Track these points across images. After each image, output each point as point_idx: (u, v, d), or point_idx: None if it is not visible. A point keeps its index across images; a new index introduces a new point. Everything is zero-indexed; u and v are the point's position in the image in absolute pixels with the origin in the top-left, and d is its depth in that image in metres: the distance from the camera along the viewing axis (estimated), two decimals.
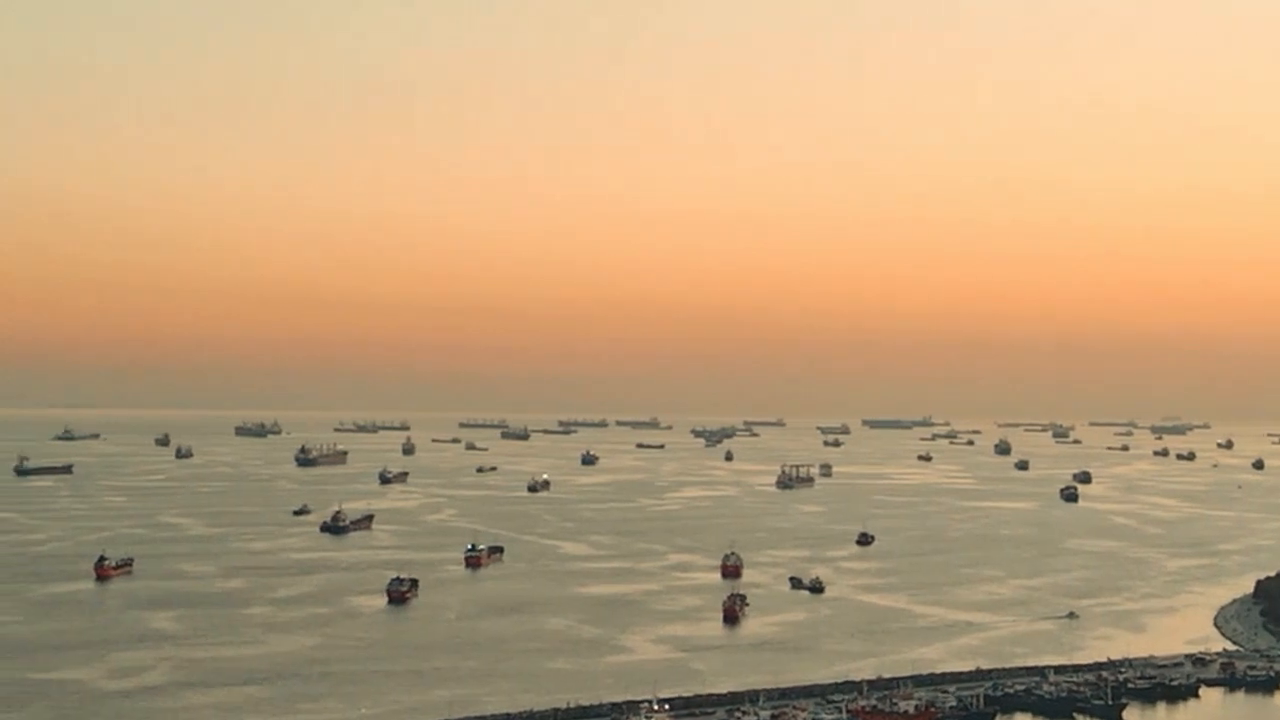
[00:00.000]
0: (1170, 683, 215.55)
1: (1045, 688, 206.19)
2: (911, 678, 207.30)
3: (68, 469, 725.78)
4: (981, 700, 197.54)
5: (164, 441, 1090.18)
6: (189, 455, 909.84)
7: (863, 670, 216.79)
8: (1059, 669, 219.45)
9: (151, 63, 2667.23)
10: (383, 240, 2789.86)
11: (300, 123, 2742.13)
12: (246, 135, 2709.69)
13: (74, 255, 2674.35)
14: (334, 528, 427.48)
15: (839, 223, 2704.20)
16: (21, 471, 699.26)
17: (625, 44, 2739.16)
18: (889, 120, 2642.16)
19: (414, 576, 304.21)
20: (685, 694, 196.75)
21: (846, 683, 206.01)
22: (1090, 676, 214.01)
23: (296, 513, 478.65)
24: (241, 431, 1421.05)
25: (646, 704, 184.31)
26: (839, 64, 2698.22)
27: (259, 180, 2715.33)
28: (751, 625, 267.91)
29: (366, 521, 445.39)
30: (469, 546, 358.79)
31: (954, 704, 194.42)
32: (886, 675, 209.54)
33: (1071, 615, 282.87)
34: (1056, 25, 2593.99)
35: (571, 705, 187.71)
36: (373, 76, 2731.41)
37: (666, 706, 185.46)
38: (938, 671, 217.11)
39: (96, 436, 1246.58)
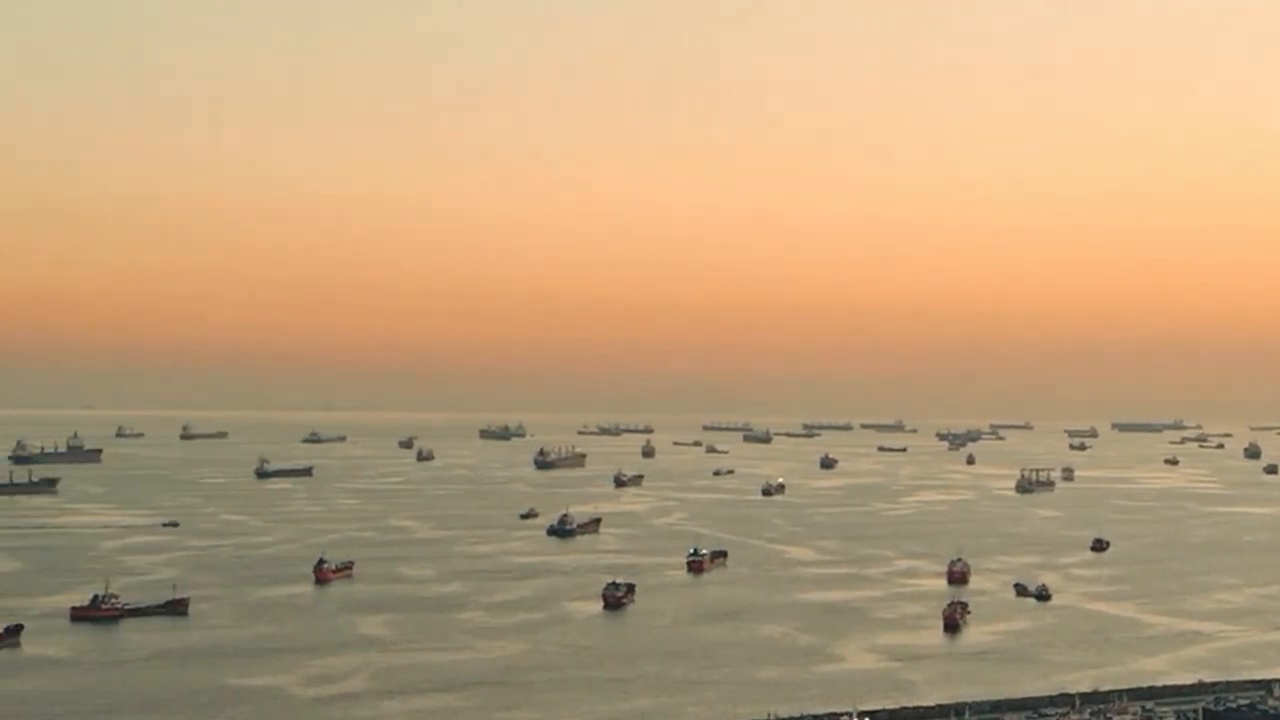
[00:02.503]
0: None
1: (1270, 702, 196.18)
2: (1129, 691, 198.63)
3: (307, 471, 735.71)
4: (1201, 715, 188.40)
5: (407, 444, 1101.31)
6: (429, 458, 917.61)
7: (1080, 682, 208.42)
8: None
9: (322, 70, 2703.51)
10: (625, 241, 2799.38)
11: (535, 126, 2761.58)
12: (476, 136, 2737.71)
13: (333, 259, 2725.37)
14: (560, 531, 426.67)
15: (1098, 232, 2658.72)
16: (262, 474, 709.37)
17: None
18: (1144, 124, 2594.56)
19: (631, 581, 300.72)
20: (890, 706, 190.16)
21: (1061, 695, 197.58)
22: None
23: (524, 516, 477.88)
24: (486, 434, 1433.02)
25: (847, 716, 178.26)
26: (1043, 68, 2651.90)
27: (502, 184, 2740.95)
28: (972, 634, 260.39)
29: (594, 525, 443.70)
30: (691, 550, 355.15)
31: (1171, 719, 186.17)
32: (1103, 688, 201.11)
33: None
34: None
35: (771, 717, 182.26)
36: (601, 76, 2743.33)
37: (868, 719, 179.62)
38: (1158, 685, 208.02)
39: (342, 439, 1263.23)
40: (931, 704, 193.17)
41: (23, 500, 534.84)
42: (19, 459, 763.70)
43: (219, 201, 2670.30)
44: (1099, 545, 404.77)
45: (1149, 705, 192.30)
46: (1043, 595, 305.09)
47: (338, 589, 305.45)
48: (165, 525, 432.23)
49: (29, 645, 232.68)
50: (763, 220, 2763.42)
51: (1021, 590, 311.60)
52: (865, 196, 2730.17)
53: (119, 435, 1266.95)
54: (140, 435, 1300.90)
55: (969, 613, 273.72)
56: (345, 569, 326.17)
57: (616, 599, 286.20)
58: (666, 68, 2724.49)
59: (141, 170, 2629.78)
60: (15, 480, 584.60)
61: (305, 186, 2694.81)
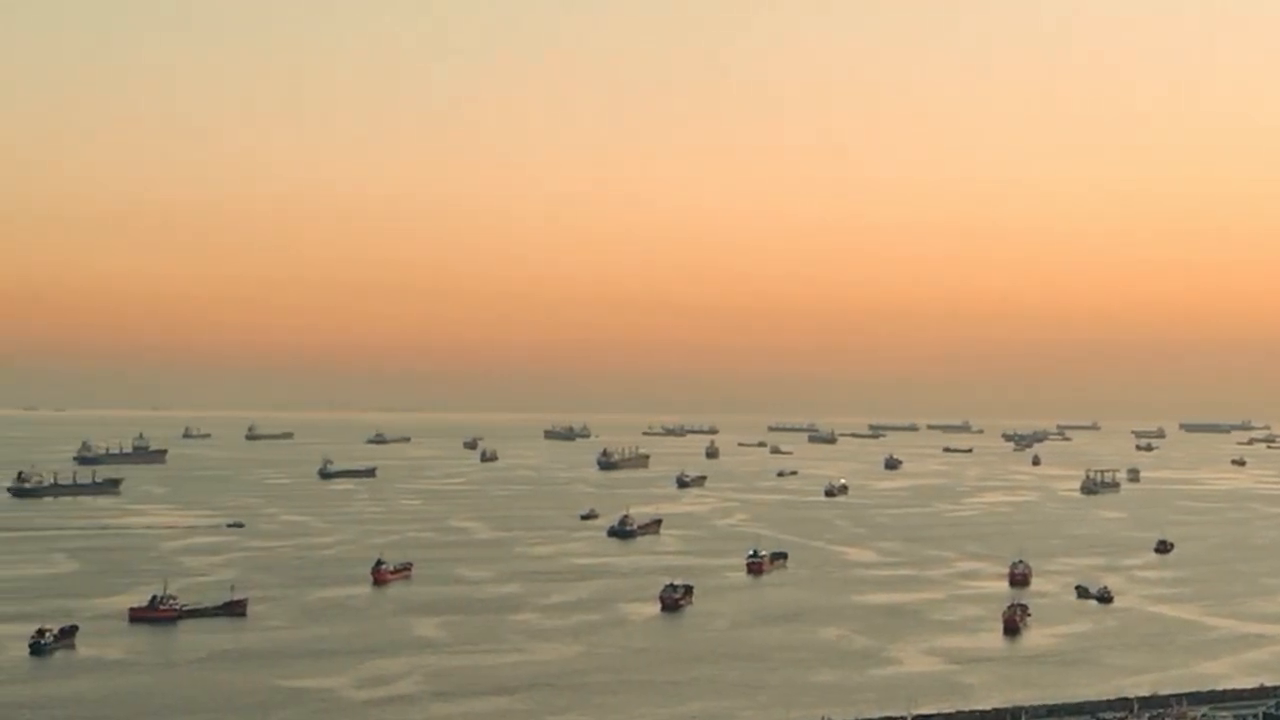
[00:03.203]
0: None
1: None
2: (1188, 695, 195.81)
3: (370, 472, 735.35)
4: None
5: (471, 445, 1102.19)
6: (493, 458, 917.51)
7: (1139, 686, 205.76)
8: None
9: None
10: (693, 241, 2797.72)
11: (611, 124, 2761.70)
12: (542, 137, 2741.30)
13: (397, 259, 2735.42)
14: (621, 532, 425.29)
15: (1164, 231, 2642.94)
16: (325, 474, 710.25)
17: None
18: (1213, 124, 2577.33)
19: (689, 583, 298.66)
20: (945, 710, 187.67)
21: (1119, 700, 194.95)
22: None
23: (584, 517, 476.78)
24: (550, 435, 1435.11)
25: (901, 719, 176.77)
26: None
27: (567, 183, 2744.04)
28: (1032, 636, 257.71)
29: (655, 526, 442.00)
30: (751, 552, 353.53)
31: None
32: (1163, 692, 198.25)
33: None
34: None
35: None
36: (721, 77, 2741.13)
37: None
38: (1218, 689, 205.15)
39: (407, 440, 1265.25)
40: (988, 708, 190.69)
41: (86, 501, 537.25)
42: (84, 459, 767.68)
43: (280, 204, 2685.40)
44: (1163, 547, 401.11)
45: (1209, 709, 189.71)
46: (1104, 597, 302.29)
47: (395, 590, 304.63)
48: (230, 526, 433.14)
49: (84, 646, 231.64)
50: (828, 223, 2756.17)
51: (1083, 592, 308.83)
52: (930, 198, 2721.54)
53: (186, 436, 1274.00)
54: (207, 436, 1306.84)
55: (1029, 615, 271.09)
56: (403, 570, 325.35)
57: (674, 601, 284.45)
58: (711, 67, 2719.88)
59: (198, 172, 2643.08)
60: (79, 481, 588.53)
61: (366, 188, 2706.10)
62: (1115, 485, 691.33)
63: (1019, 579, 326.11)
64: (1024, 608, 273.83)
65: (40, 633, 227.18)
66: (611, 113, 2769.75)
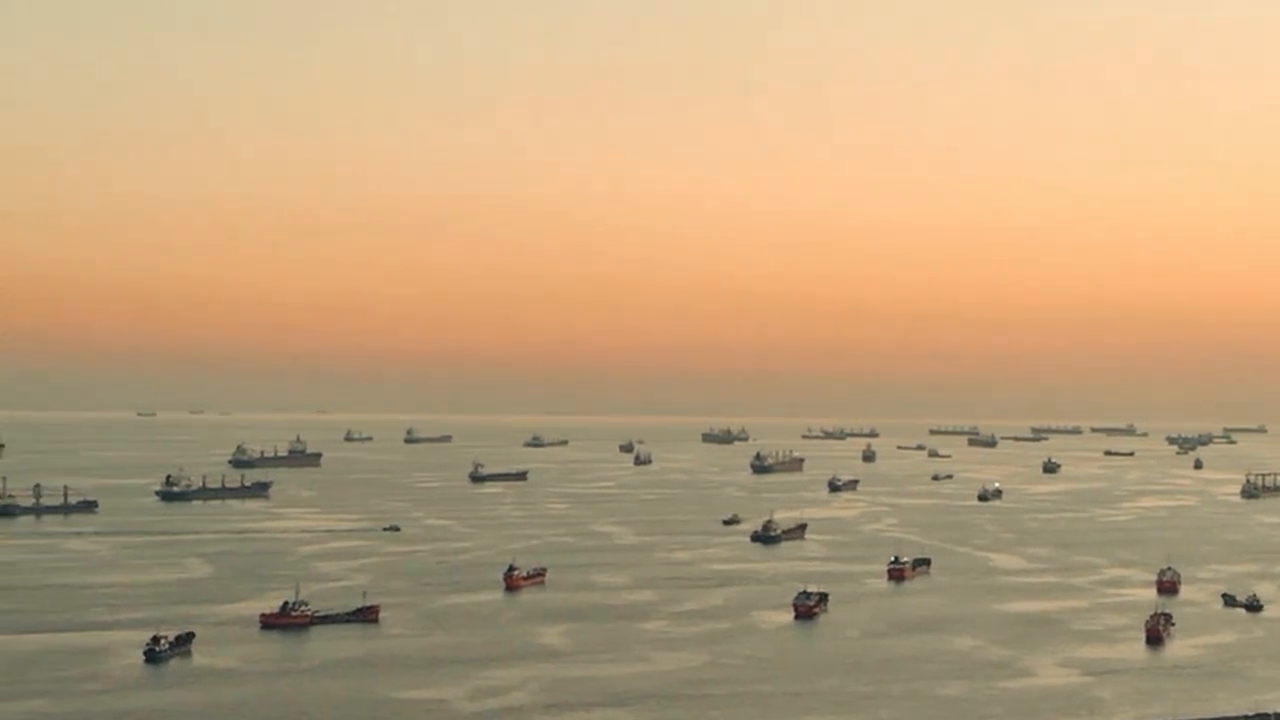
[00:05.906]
0: None
1: None
2: None
3: (522, 475, 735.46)
4: None
5: (628, 448, 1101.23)
6: (647, 462, 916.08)
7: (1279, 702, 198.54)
8: None
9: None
10: (858, 245, 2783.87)
11: (747, 127, 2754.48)
12: (692, 144, 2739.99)
13: (539, 269, 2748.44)
14: (764, 537, 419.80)
15: None
16: (476, 478, 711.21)
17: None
18: None
19: (825, 590, 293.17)
20: None
21: (1258, 715, 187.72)
22: None
23: (726, 522, 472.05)
24: (708, 438, 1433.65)
25: None
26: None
27: (722, 186, 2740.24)
28: (1175, 647, 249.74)
29: (799, 531, 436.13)
30: (893, 558, 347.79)
31: None
32: None
33: None
34: None
35: None
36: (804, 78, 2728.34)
37: None
38: None
39: (564, 443, 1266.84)
40: None
41: (233, 504, 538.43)
42: (238, 463, 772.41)
43: (448, 209, 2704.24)
44: None
45: None
46: (1254, 606, 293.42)
47: (527, 597, 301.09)
48: (386, 530, 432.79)
49: (205, 654, 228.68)
50: (989, 217, 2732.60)
51: (1230, 600, 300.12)
52: (1090, 203, 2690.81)
53: (347, 439, 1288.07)
54: (368, 439, 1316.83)
55: (1173, 624, 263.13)
56: (537, 576, 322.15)
57: (808, 609, 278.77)
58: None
59: (364, 172, 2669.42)
60: (227, 484, 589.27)
61: (514, 194, 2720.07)
62: (1277, 489, 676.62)
63: (1167, 587, 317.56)
64: (1168, 616, 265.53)
65: (156, 640, 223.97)
66: (737, 117, 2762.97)
